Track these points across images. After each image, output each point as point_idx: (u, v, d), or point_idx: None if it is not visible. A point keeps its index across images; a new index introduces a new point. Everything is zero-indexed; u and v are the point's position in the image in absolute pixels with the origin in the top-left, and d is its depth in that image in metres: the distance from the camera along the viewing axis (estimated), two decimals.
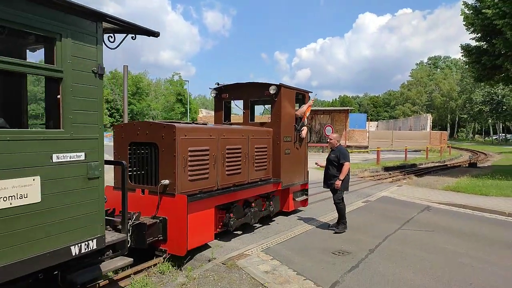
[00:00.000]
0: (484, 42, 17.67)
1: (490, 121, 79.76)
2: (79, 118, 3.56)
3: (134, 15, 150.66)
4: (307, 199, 9.14)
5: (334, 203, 7.50)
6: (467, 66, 22.32)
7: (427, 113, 71.22)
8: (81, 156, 3.60)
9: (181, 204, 5.24)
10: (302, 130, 8.52)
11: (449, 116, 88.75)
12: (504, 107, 71.50)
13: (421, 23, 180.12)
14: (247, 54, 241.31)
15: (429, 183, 14.94)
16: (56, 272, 3.64)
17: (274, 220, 8.12)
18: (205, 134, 5.99)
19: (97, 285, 4.37)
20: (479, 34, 17.45)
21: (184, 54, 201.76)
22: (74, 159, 3.52)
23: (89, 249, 3.73)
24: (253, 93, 8.35)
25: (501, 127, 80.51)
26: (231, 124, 8.22)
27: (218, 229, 6.37)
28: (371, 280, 4.90)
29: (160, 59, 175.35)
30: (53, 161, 3.34)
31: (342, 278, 4.95)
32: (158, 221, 5.27)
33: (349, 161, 7.25)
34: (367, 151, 32.77)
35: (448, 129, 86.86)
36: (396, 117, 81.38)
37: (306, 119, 8.79)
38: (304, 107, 8.69)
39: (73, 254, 3.55)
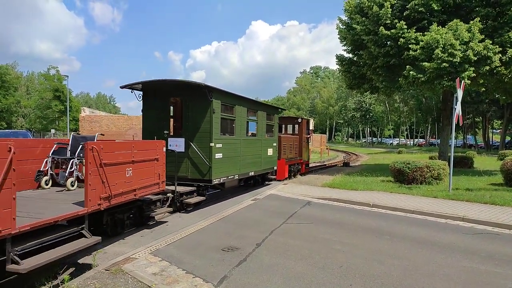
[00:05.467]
0: (354, 54, 20.17)
1: (360, 126, 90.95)
2: (275, 134, 15.03)
3: None
4: (308, 168, 20.12)
5: None
6: (340, 73, 25.17)
7: (310, 117, 77.81)
8: (275, 143, 14.93)
9: (283, 162, 15.81)
10: (308, 136, 19.11)
11: (328, 120, 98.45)
12: (371, 114, 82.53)
13: (307, 35, 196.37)
14: (140, 52, 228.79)
15: (310, 181, 16.27)
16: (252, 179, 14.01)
17: (166, 222, 7.97)
18: (286, 138, 16.35)
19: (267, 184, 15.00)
20: (350, 47, 19.82)
21: (66, 47, 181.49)
22: (275, 145, 14.82)
23: (273, 170, 14.92)
24: (289, 121, 19.03)
25: (368, 131, 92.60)
26: (287, 134, 18.22)
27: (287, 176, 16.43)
28: (257, 272, 5.17)
29: (36, 51, 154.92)
30: (273, 145, 14.62)
31: (231, 273, 5.11)
32: (274, 168, 14.68)
33: None
34: None
35: (327, 132, 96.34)
36: None
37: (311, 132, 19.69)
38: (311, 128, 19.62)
39: (274, 169, 14.94)
